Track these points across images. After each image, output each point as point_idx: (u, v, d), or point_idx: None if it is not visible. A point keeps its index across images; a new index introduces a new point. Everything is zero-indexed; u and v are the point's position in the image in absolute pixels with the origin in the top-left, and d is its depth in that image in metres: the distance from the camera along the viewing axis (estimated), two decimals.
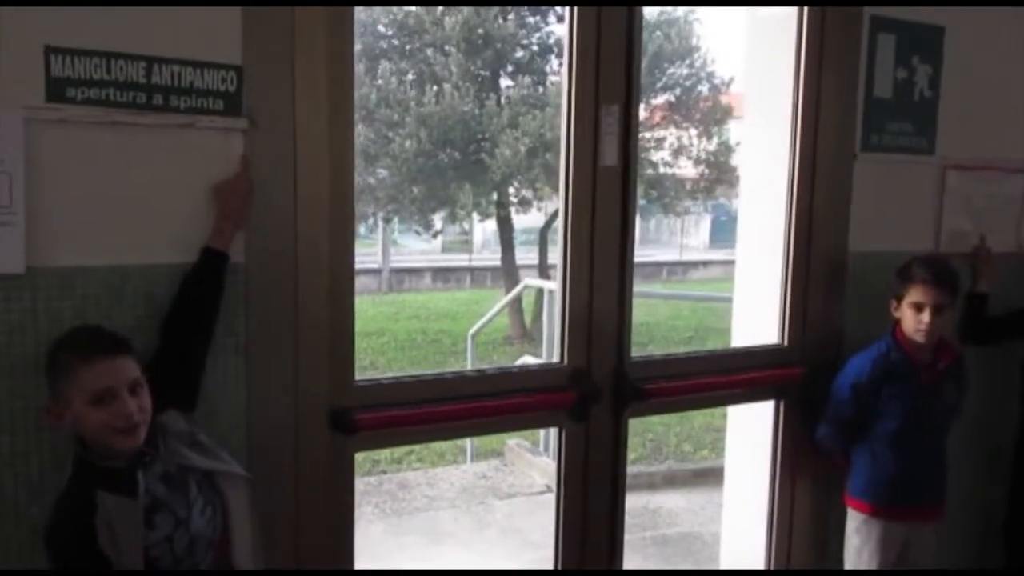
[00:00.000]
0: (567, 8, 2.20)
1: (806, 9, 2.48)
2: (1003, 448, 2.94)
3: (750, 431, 2.73)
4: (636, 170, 2.25)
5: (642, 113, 12.84)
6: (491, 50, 10.29)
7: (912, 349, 2.43)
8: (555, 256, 2.34)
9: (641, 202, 13.59)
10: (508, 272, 11.85)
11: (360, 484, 4.71)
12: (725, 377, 2.43)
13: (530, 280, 6.36)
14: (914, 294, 2.39)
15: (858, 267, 2.64)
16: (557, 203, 11.83)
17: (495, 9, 9.99)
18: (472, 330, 5.79)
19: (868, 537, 2.46)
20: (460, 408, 2.00)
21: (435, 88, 10.13)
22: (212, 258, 1.68)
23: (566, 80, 2.19)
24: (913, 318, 2.39)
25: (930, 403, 2.45)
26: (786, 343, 2.58)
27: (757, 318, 2.69)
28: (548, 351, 4.86)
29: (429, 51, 10.49)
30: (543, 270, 11.90)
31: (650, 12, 11.96)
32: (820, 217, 2.55)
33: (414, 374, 2.06)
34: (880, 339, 2.48)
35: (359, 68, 10.33)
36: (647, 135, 11.75)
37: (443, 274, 17.94)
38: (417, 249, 19.24)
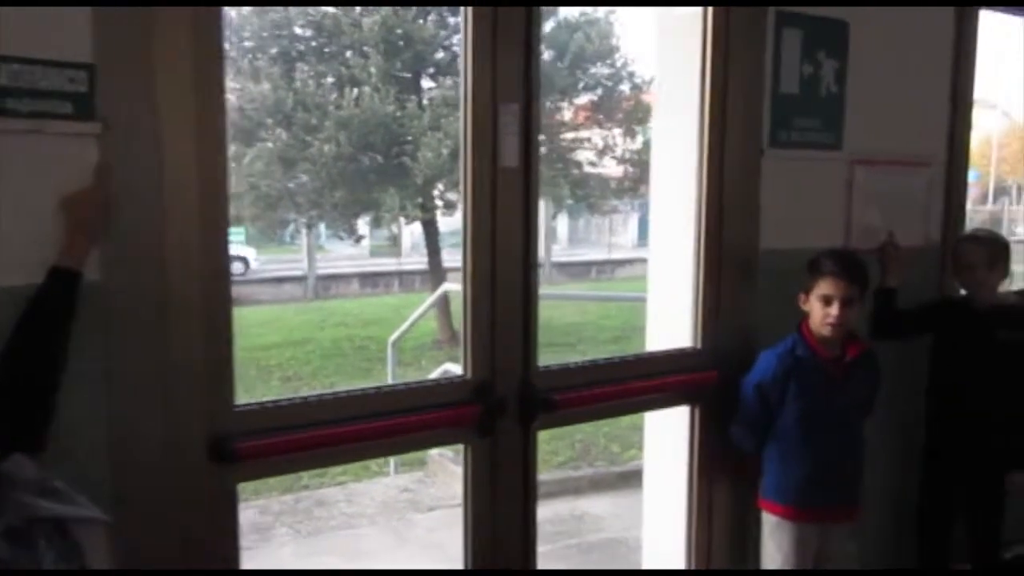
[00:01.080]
0: (462, 8, 2.10)
1: (710, 9, 2.43)
2: (918, 443, 2.95)
3: (668, 433, 2.66)
4: (538, 170, 2.16)
5: (566, 114, 12.96)
6: (411, 52, 10.13)
7: (819, 344, 2.39)
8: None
9: (568, 202, 13.62)
10: (435, 276, 11.70)
11: (275, 504, 4.52)
12: (637, 384, 2.36)
13: (449, 285, 6.23)
14: (823, 287, 2.36)
15: (769, 265, 2.60)
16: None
17: (414, 10, 9.85)
18: (392, 337, 5.64)
19: (782, 540, 2.42)
20: (353, 430, 1.87)
21: (355, 91, 9.92)
22: (61, 278, 1.51)
23: (463, 79, 2.08)
24: (821, 311, 2.36)
25: (839, 399, 2.42)
26: (699, 345, 2.52)
27: (671, 319, 2.63)
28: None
29: (348, 53, 10.27)
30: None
31: (571, 12, 11.98)
32: (730, 215, 2.50)
33: (303, 395, 1.90)
34: (789, 335, 2.44)
35: (274, 71, 10.06)
36: (570, 135, 11.75)
37: (371, 279, 17.67)
38: (344, 254, 18.92)
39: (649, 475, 2.85)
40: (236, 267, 17.79)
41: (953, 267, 2.87)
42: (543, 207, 18.51)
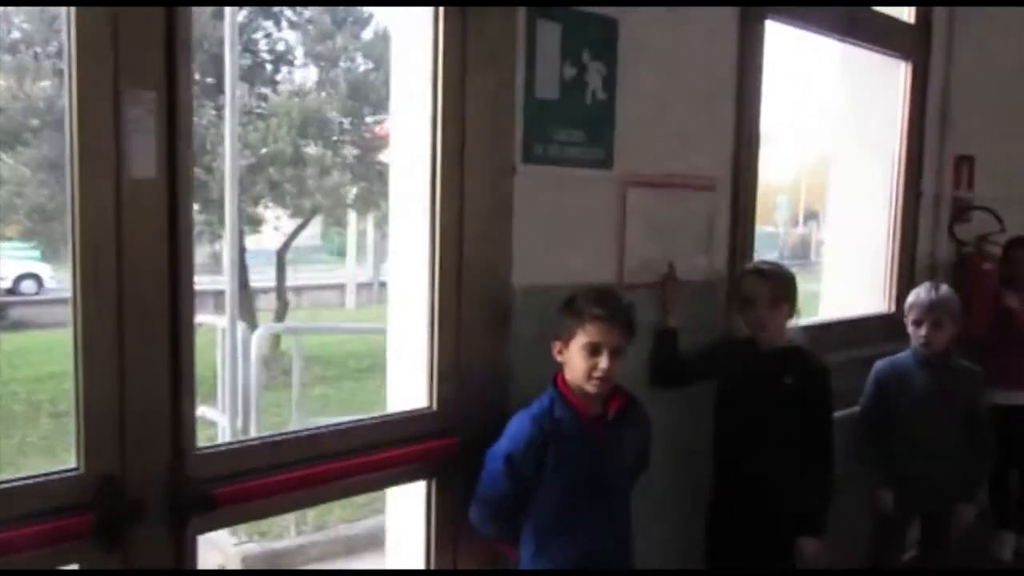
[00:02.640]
0: None
1: (441, 9, 1.96)
2: (701, 504, 2.59)
3: (411, 499, 2.15)
4: (190, 182, 1.59)
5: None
6: (207, 55, 9.24)
7: (580, 401, 1.96)
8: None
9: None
10: (242, 298, 10.76)
11: None
12: (343, 463, 1.82)
13: (203, 316, 5.47)
14: (588, 334, 1.93)
15: (527, 305, 2.15)
16: (298, 221, 10.87)
17: (209, 10, 8.98)
18: None
19: None
20: None
21: None
22: None
23: (67, 60, 1.48)
24: (585, 363, 1.93)
25: (607, 465, 1.99)
26: (434, 406, 2.02)
27: (406, 373, 2.13)
28: (231, 405, 4.08)
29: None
30: (281, 294, 10.96)
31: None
32: (473, 245, 2.03)
33: None
34: (544, 393, 1.99)
35: (45, 66, 8.88)
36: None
37: (201, 298, 16.30)
38: None
39: (391, 545, 2.31)
40: (27, 286, 15.96)
41: (737, 303, 2.55)
42: (370, 226, 17.80)
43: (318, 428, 1.84)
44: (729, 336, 2.61)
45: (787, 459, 2.45)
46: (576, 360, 1.94)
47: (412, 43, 2.05)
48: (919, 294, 2.86)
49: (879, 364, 2.96)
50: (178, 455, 1.58)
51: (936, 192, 3.74)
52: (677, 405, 2.57)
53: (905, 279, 3.62)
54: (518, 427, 1.94)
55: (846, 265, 3.76)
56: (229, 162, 5.33)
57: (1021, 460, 3.92)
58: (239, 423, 3.99)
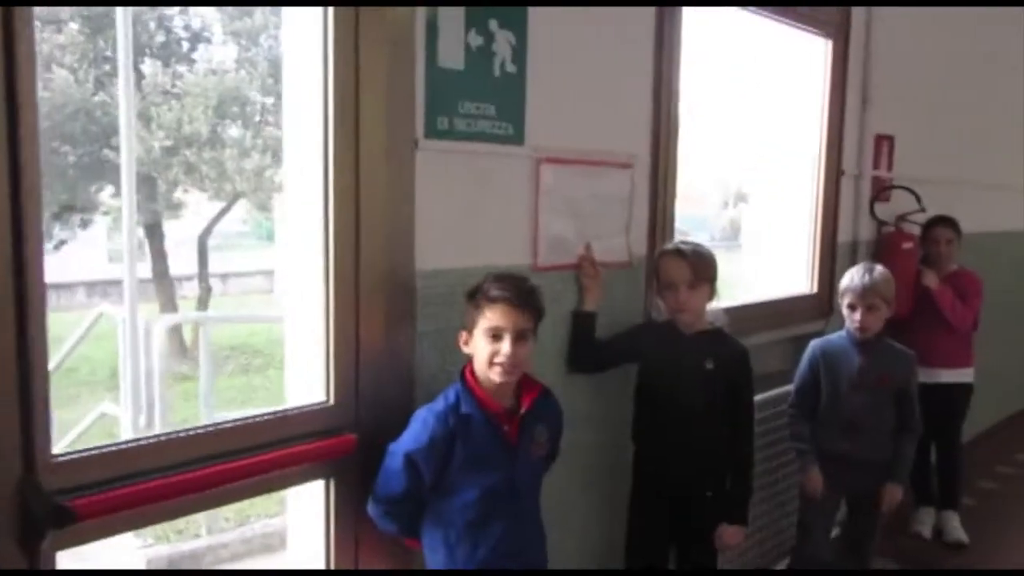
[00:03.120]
0: None
1: None
2: (622, 492, 2.51)
3: (309, 497, 2.00)
4: (36, 162, 1.40)
5: None
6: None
7: (489, 395, 1.84)
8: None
9: None
10: (162, 286, 10.36)
11: None
12: (226, 465, 1.66)
13: (108, 306, 5.20)
14: (489, 318, 1.81)
15: (433, 291, 2.02)
16: (220, 205, 10.44)
17: None
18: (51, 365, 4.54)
19: None
20: None
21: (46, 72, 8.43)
22: None
23: None
24: (487, 348, 1.80)
25: (518, 460, 1.87)
26: (331, 400, 1.88)
27: (304, 365, 1.98)
28: (134, 400, 3.84)
29: (38, 25, 8.71)
30: (203, 281, 10.58)
31: None
32: (371, 226, 1.88)
33: None
34: (450, 386, 1.87)
35: None
36: None
37: (102, 288, 15.65)
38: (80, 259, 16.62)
39: (292, 545, 2.17)
40: None
41: (655, 285, 2.46)
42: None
43: (199, 428, 1.67)
44: (649, 319, 2.53)
45: (708, 445, 2.38)
46: (479, 347, 1.82)
47: (301, 6, 1.89)
48: (852, 278, 2.81)
49: (814, 343, 2.92)
50: (29, 465, 1.41)
51: (857, 171, 3.72)
52: (597, 390, 2.49)
53: (827, 259, 3.60)
54: (421, 424, 1.81)
55: (769, 246, 3.73)
56: (124, 142, 5.03)
57: (941, 437, 3.96)
58: (142, 419, 3.77)
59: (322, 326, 1.86)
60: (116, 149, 8.53)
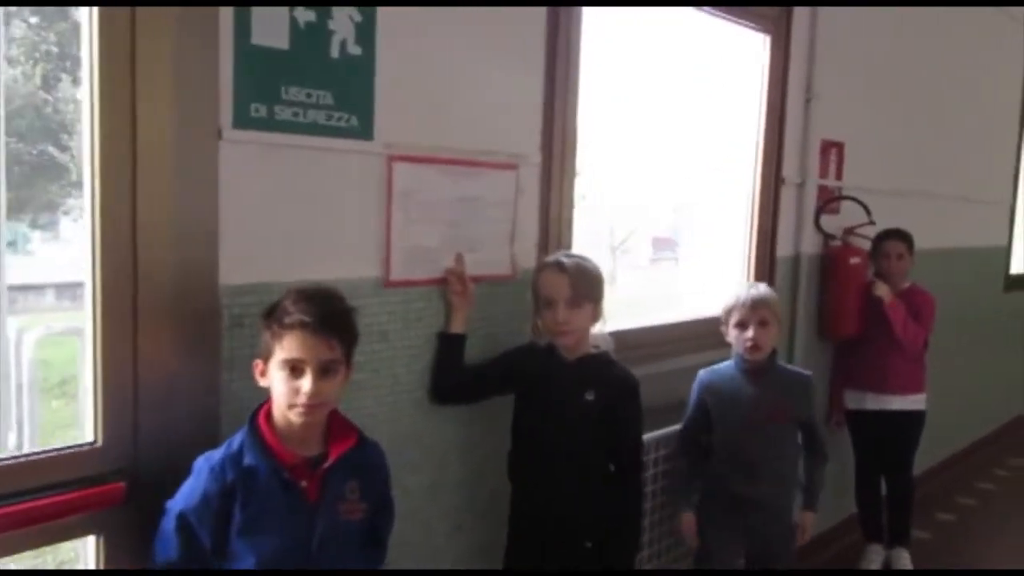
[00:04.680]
0: None
1: None
2: (498, 534, 2.20)
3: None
4: None
5: None
6: (69, 22, 8.47)
7: (283, 443, 1.53)
8: None
9: None
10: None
11: None
12: None
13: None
14: (286, 348, 1.50)
15: (244, 309, 1.70)
16: None
17: None
18: None
19: None
20: None
21: None
22: None
23: None
24: (285, 385, 1.50)
25: (317, 523, 1.54)
26: (101, 442, 1.56)
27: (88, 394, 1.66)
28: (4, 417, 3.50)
29: None
30: None
31: None
32: (155, 234, 1.57)
33: None
34: (237, 431, 1.55)
35: None
36: None
37: (72, 290, 15.34)
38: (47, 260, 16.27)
39: None
40: None
41: (534, 303, 2.15)
42: None
43: None
44: (529, 343, 2.21)
45: (588, 488, 2.07)
46: (276, 383, 1.50)
47: None
48: (738, 293, 2.52)
49: (701, 375, 2.61)
50: None
51: (800, 179, 3.42)
52: (470, 416, 2.18)
53: (764, 275, 3.30)
54: (195, 476, 1.49)
55: (704, 260, 3.43)
56: None
57: (892, 470, 3.67)
58: (11, 439, 3.45)
59: (89, 350, 1.55)
60: (61, 147, 8.26)
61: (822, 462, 2.60)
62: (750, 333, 2.45)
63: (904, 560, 3.65)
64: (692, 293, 3.40)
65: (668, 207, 3.43)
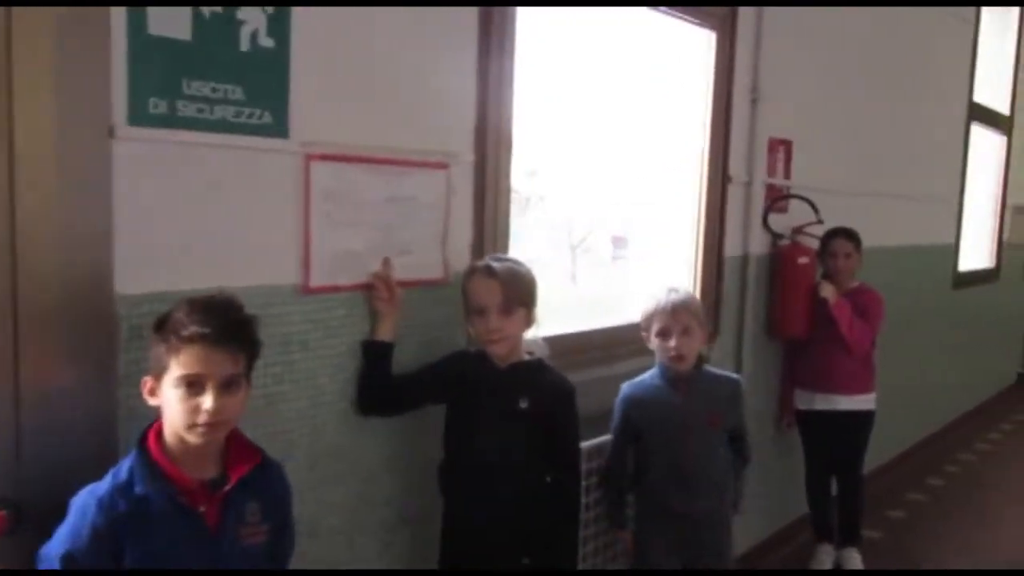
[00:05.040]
0: None
1: None
2: (430, 550, 2.10)
3: None
4: None
5: None
6: None
7: (177, 464, 1.41)
8: None
9: None
10: None
11: None
12: None
13: None
14: (183, 363, 1.38)
15: (145, 319, 1.56)
16: None
17: None
18: None
19: None
20: None
21: None
22: None
23: None
24: (183, 404, 1.38)
25: (217, 551, 1.43)
26: None
27: None
28: None
29: None
30: None
31: None
32: (35, 236, 1.44)
33: None
34: (125, 458, 1.44)
35: None
36: None
37: None
38: None
39: None
40: None
41: (464, 309, 2.06)
42: None
43: None
44: (461, 350, 2.12)
45: (524, 501, 1.98)
46: (170, 401, 1.39)
47: None
48: (658, 299, 2.40)
49: (625, 390, 2.48)
50: None
51: (747, 178, 3.37)
52: (400, 432, 2.09)
53: (711, 275, 3.25)
54: (79, 514, 1.36)
55: (652, 260, 3.36)
56: None
57: (842, 470, 3.64)
58: None
59: None
60: None
61: (746, 465, 2.54)
62: (673, 343, 2.34)
63: (854, 560, 3.63)
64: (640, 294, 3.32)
65: (619, 206, 3.34)
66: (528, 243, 3.26)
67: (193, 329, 1.37)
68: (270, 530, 1.50)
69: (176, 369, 1.37)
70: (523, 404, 1.96)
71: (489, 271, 1.95)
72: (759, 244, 3.46)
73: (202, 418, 1.37)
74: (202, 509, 1.40)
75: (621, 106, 3.20)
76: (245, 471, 1.45)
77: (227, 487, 1.43)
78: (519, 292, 1.96)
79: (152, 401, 1.42)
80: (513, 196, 3.33)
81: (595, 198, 3.59)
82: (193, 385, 1.37)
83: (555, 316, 2.46)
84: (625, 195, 3.48)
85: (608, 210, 3.68)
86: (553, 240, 3.78)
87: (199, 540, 1.40)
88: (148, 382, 1.42)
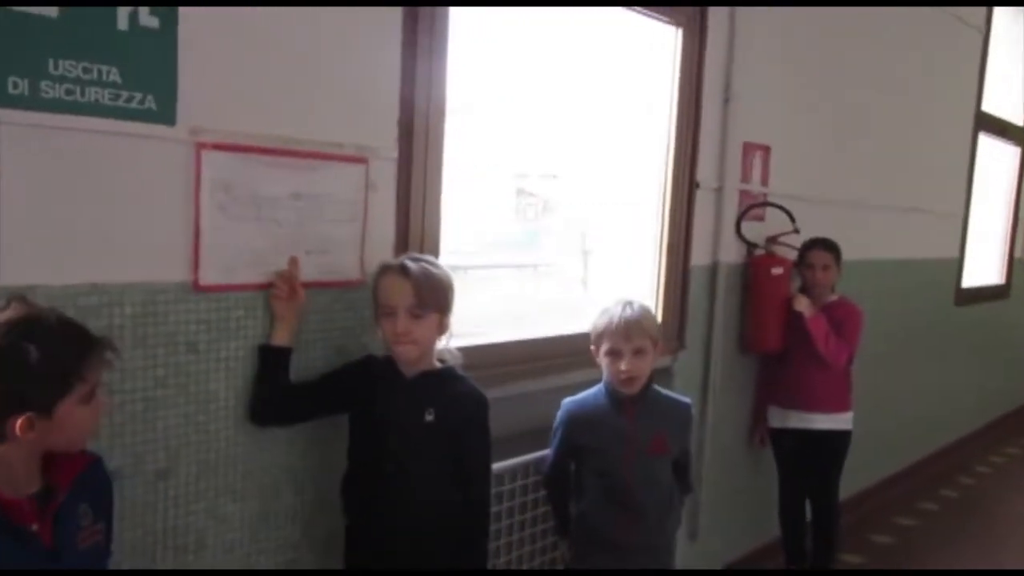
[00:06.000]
0: None
1: None
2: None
3: None
4: None
5: None
6: None
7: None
8: None
9: None
10: None
11: None
12: None
13: None
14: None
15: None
16: None
17: None
18: None
19: None
20: None
21: None
22: None
23: None
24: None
25: (51, 560, 1.31)
26: None
27: None
28: None
29: None
30: None
31: None
32: None
33: None
34: None
35: None
36: None
37: None
38: None
39: None
40: None
41: (374, 311, 1.93)
42: None
43: None
44: (367, 356, 1.98)
45: (432, 518, 1.85)
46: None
47: None
48: (611, 315, 2.22)
49: (567, 407, 2.31)
50: None
51: (718, 184, 3.21)
52: (306, 442, 1.96)
53: (675, 284, 3.09)
54: None
55: (615, 267, 3.22)
56: None
57: (816, 494, 3.47)
58: None
59: None
60: None
61: (686, 494, 2.40)
62: (624, 365, 2.17)
63: None
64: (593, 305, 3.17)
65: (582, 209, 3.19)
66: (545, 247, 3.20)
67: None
68: (104, 526, 1.41)
69: None
70: (429, 417, 1.83)
71: (403, 270, 1.82)
72: (731, 253, 3.31)
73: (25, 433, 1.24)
74: (35, 527, 1.28)
75: (582, 106, 3.05)
76: (75, 474, 1.33)
77: (60, 498, 1.31)
78: (433, 295, 1.83)
79: None
80: (531, 200, 3.22)
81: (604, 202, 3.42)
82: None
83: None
84: (587, 198, 3.32)
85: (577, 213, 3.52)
86: (566, 247, 3.59)
87: (35, 562, 1.27)
88: None
